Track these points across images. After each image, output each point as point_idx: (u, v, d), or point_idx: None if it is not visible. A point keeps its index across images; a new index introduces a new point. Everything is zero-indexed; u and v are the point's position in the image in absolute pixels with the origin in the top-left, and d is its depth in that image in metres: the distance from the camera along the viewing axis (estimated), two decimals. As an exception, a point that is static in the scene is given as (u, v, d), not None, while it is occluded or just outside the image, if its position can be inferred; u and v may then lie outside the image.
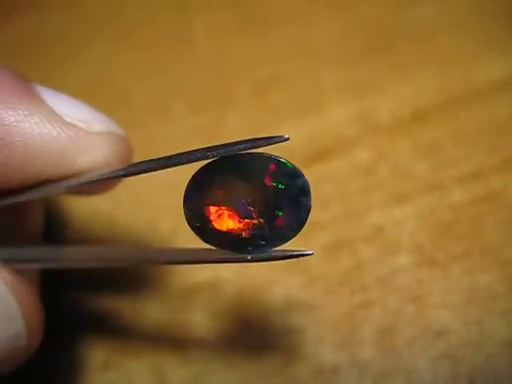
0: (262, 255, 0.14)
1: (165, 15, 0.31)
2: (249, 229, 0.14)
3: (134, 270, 0.24)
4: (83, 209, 0.25)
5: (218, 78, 0.29)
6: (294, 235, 0.14)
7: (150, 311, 0.23)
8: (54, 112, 0.16)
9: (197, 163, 0.14)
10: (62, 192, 0.17)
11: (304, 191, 0.14)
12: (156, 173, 0.22)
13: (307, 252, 0.13)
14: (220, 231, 0.14)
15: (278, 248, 0.14)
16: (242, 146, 0.13)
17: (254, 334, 0.22)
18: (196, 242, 0.15)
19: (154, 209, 0.25)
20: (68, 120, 0.16)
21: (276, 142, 0.13)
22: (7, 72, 0.16)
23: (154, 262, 0.16)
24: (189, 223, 0.14)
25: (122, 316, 0.23)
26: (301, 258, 0.22)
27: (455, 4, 0.29)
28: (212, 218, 0.14)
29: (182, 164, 0.13)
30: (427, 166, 0.25)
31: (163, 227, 0.24)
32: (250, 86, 0.28)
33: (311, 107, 0.27)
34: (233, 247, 0.14)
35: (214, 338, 0.22)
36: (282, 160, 0.13)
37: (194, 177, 0.14)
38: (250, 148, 0.13)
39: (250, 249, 0.14)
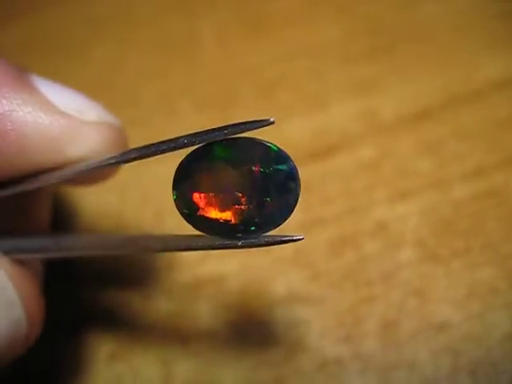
0: (253, 241, 0.14)
1: (170, 17, 0.32)
2: (237, 214, 0.13)
3: (141, 264, 0.24)
4: (90, 203, 0.25)
5: (223, 78, 0.29)
6: (284, 220, 0.14)
7: (156, 304, 0.23)
8: (47, 101, 0.16)
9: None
10: (57, 182, 0.17)
11: (291, 176, 0.13)
12: (162, 168, 0.23)
13: (297, 237, 0.13)
14: (209, 218, 0.14)
15: (268, 234, 0.14)
16: (229, 130, 0.13)
17: (259, 326, 0.22)
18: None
19: (160, 203, 0.25)
20: (62, 109, 0.16)
21: (263, 126, 0.13)
22: (1, 62, 0.16)
23: (148, 249, 0.16)
24: (178, 210, 0.14)
25: (129, 309, 0.23)
26: (305, 253, 0.23)
27: (457, 4, 0.29)
28: (200, 205, 0.14)
29: (170, 150, 0.13)
30: (430, 163, 0.25)
31: (169, 222, 0.25)
32: (255, 85, 0.29)
33: (316, 105, 0.27)
34: (223, 234, 0.14)
35: (220, 331, 0.22)
36: (268, 144, 0.13)
37: (181, 163, 0.14)
38: (238, 132, 0.13)
39: (239, 235, 0.14)
